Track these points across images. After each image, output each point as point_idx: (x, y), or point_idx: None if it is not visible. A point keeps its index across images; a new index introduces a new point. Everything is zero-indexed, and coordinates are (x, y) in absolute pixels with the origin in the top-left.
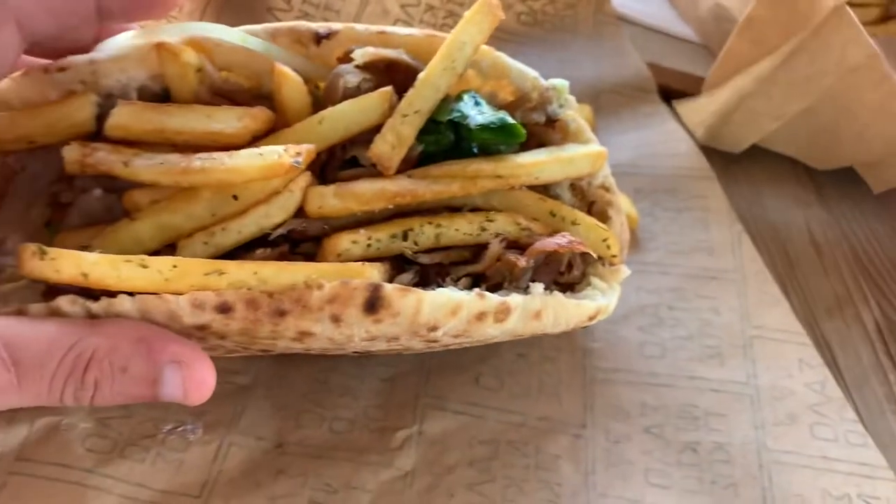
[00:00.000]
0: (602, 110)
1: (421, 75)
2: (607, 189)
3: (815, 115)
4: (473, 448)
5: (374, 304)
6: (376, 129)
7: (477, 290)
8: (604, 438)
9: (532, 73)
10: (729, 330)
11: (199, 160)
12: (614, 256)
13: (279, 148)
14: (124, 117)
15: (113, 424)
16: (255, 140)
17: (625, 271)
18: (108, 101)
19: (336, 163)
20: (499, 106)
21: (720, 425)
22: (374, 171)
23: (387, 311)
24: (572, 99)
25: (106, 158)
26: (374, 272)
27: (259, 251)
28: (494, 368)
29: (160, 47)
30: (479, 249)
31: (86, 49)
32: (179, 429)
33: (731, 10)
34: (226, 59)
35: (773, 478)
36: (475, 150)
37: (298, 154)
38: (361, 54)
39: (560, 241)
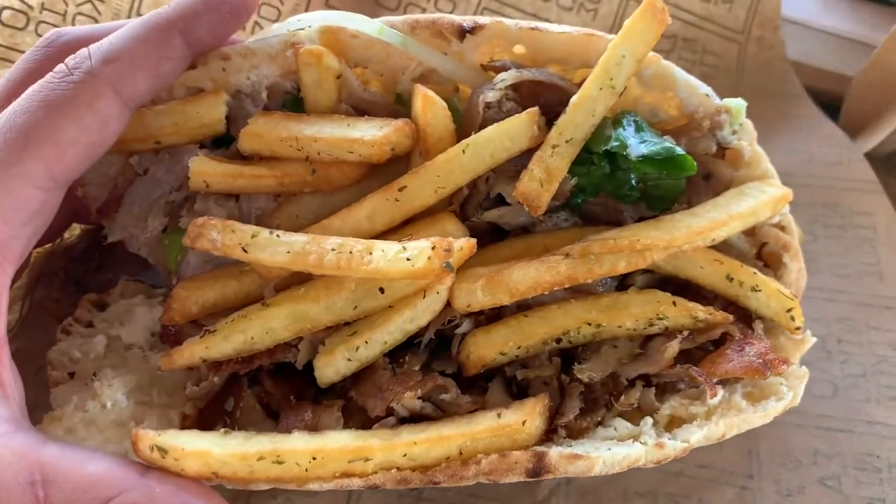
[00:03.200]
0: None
1: (574, 98)
2: (783, 228)
3: None
4: (630, 501)
5: (537, 472)
6: (524, 154)
7: (655, 439)
8: (774, 491)
9: (703, 88)
10: None
11: (333, 251)
12: (798, 329)
13: (427, 247)
14: (260, 125)
15: None
16: (394, 156)
17: (809, 341)
18: (236, 101)
19: (479, 198)
20: (661, 125)
21: None
22: (520, 210)
23: (552, 474)
24: (749, 124)
25: (222, 243)
26: (535, 423)
27: (408, 395)
28: None
29: (298, 51)
30: (648, 336)
31: None
32: None
33: None
34: (361, 53)
35: None
36: (633, 181)
37: (448, 252)
38: (504, 78)
39: (753, 361)
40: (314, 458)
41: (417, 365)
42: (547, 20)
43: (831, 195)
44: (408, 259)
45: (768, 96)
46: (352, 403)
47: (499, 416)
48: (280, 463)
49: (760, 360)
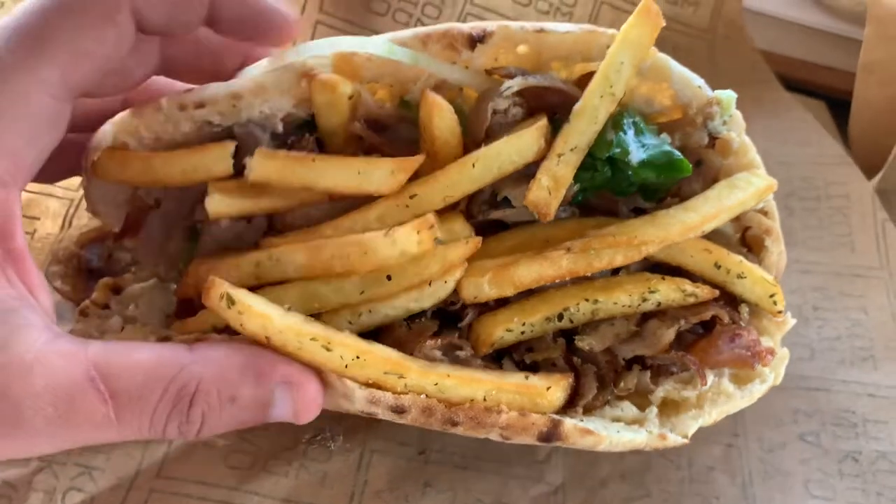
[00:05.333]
0: None
1: (577, 106)
2: (765, 214)
3: None
4: (624, 459)
5: (549, 438)
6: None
7: (658, 429)
8: (758, 447)
9: (696, 80)
10: (881, 330)
11: (332, 257)
12: (780, 312)
13: (412, 232)
14: (268, 172)
15: (252, 438)
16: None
17: (789, 323)
18: (245, 130)
19: (483, 197)
20: (655, 116)
21: (880, 433)
22: (525, 211)
23: (561, 442)
24: (738, 115)
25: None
26: (557, 393)
27: (430, 342)
28: None
29: (312, 80)
30: (644, 317)
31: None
32: (319, 437)
33: None
34: (374, 72)
35: None
36: (632, 179)
37: (432, 227)
38: (510, 86)
39: (742, 353)
40: (357, 357)
41: (430, 325)
42: None
43: (806, 169)
44: (393, 243)
45: (742, 84)
46: None
47: (526, 377)
48: (328, 350)
49: (749, 353)
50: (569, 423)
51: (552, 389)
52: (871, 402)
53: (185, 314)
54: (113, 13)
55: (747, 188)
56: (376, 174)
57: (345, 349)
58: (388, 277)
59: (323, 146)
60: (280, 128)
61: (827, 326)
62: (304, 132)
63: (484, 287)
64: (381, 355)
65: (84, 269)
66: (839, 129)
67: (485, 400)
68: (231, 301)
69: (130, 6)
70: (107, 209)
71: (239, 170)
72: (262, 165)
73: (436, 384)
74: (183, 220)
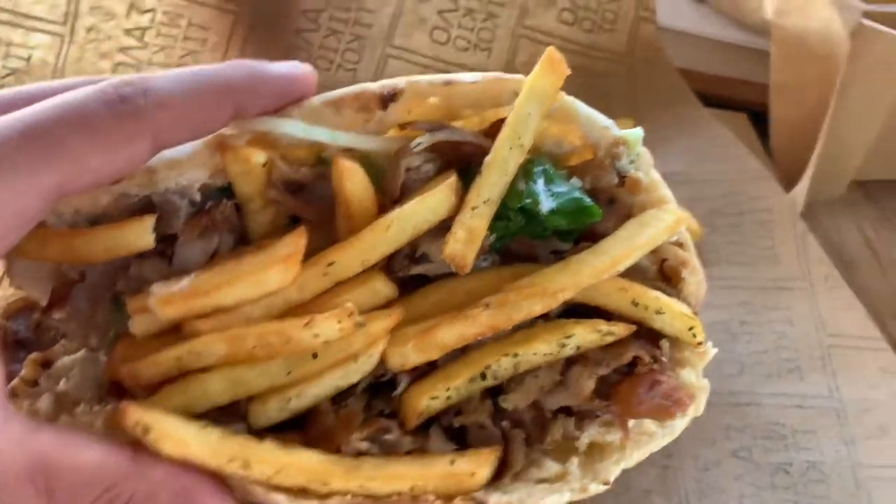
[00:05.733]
0: (644, 120)
1: (487, 159)
2: (681, 245)
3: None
4: None
5: None
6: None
7: (580, 481)
8: (692, 467)
9: (602, 121)
10: (805, 341)
11: (254, 348)
12: (700, 344)
13: (333, 322)
14: (175, 313)
15: None
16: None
17: (710, 353)
18: (163, 198)
19: (403, 253)
20: (566, 157)
21: (809, 443)
22: (446, 266)
23: None
24: (645, 153)
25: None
26: (484, 473)
27: (356, 436)
28: None
29: (224, 149)
30: (568, 364)
31: None
32: None
33: None
34: (290, 140)
35: (873, 494)
36: (546, 226)
37: (351, 315)
38: (420, 142)
39: (663, 403)
40: (279, 472)
41: (359, 407)
42: (445, 61)
43: (727, 185)
44: (316, 336)
45: (662, 104)
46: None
47: (452, 462)
48: (246, 467)
49: (669, 401)
50: (492, 500)
51: (477, 474)
52: (799, 412)
53: (117, 388)
54: (131, 139)
55: (657, 224)
56: (272, 275)
57: (263, 467)
58: (314, 356)
59: (241, 210)
60: (198, 197)
61: (754, 341)
62: (222, 197)
63: (409, 355)
64: (303, 467)
65: (11, 341)
66: (762, 141)
67: (411, 490)
68: (147, 429)
69: (152, 133)
70: (31, 284)
71: (160, 238)
72: (165, 313)
73: (361, 486)
74: (108, 291)
